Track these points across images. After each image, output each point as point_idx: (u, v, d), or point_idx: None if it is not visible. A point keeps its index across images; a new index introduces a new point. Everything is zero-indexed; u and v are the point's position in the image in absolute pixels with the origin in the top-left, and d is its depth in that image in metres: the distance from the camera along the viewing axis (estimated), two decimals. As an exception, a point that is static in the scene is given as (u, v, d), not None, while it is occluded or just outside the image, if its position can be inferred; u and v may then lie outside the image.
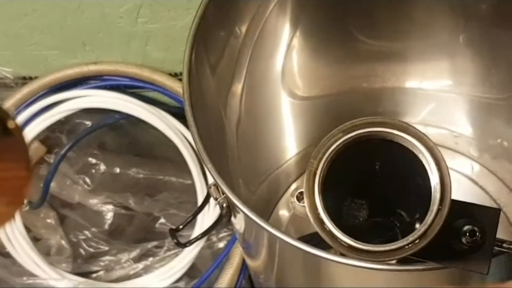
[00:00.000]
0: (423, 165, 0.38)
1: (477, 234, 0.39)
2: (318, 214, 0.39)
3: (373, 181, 0.41)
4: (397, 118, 0.77)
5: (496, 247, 0.41)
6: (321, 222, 0.39)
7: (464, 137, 0.80)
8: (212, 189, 0.56)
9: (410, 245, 0.38)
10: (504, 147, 0.77)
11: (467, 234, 0.39)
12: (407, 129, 0.38)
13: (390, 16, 0.71)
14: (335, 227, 0.39)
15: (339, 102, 0.78)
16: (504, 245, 0.41)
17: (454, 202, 0.39)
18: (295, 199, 0.46)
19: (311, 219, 0.39)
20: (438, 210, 0.37)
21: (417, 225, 0.38)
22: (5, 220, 0.30)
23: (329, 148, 0.39)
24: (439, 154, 0.38)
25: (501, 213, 0.41)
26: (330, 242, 0.39)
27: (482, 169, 0.80)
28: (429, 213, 0.37)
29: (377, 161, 0.41)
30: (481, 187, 0.79)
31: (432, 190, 0.38)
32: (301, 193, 0.44)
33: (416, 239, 0.38)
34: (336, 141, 0.39)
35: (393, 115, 0.80)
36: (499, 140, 0.77)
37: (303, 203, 0.42)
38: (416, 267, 0.43)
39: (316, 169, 0.39)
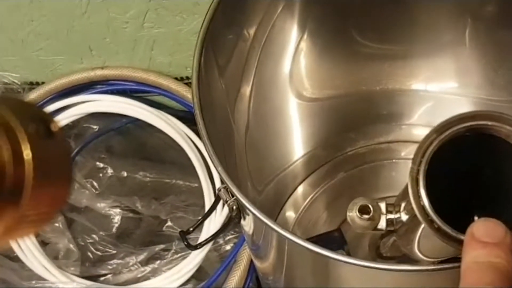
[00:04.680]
0: None
1: None
2: (429, 216, 0.39)
3: (469, 178, 0.41)
4: (401, 120, 0.79)
5: None
6: (432, 223, 0.39)
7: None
8: (222, 191, 0.56)
9: None
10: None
11: None
12: (501, 118, 0.38)
13: (395, 18, 0.72)
14: (449, 226, 0.38)
15: (346, 103, 0.78)
16: None
17: None
18: (355, 213, 0.46)
19: (425, 223, 0.39)
20: None
21: None
22: (46, 220, 0.31)
23: (426, 150, 0.39)
24: None
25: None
26: (446, 241, 0.39)
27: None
28: None
29: (473, 156, 0.40)
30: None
31: None
32: (364, 206, 0.44)
33: None
34: (431, 142, 0.39)
35: (399, 117, 0.80)
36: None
37: (364, 216, 0.42)
38: (428, 267, 0.43)
39: (418, 173, 0.39)
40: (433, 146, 0.39)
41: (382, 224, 0.45)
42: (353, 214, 0.46)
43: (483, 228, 0.37)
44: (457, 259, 0.40)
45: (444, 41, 0.73)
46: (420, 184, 0.39)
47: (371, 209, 0.46)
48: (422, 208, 0.39)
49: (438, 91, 0.78)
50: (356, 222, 0.46)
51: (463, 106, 0.78)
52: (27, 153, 0.28)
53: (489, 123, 0.38)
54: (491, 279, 0.35)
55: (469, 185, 0.42)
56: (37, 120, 0.30)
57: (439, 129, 0.39)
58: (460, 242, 0.38)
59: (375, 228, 0.47)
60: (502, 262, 0.36)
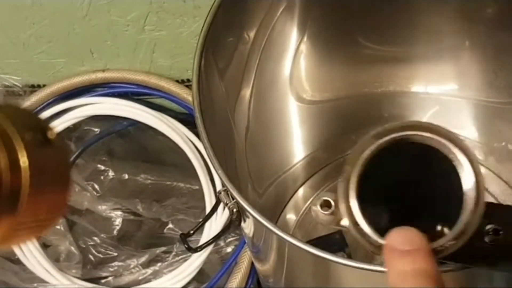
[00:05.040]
0: (454, 166, 0.38)
1: (500, 232, 0.40)
2: (354, 218, 0.39)
3: (403, 185, 0.41)
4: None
5: None
6: (357, 225, 0.39)
7: (469, 140, 0.80)
8: (222, 194, 0.56)
9: (446, 246, 0.38)
10: (509, 150, 0.78)
11: (490, 233, 0.40)
12: (438, 131, 0.39)
13: (395, 21, 0.72)
14: (372, 230, 0.39)
15: (346, 106, 0.79)
16: None
17: None
18: (318, 207, 0.46)
19: (349, 224, 0.40)
20: (474, 209, 0.37)
21: (445, 230, 0.38)
22: (45, 227, 0.31)
23: (362, 153, 0.40)
24: (472, 154, 0.38)
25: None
26: (366, 245, 0.39)
27: (487, 172, 0.80)
28: (463, 212, 0.38)
29: (409, 164, 0.41)
30: (487, 190, 0.79)
31: (466, 190, 0.38)
32: (326, 201, 0.44)
33: (451, 240, 0.38)
34: (368, 146, 0.40)
35: (399, 119, 0.80)
36: (503, 143, 0.78)
37: (326, 211, 0.43)
38: (446, 268, 0.43)
39: (351, 174, 0.40)
40: (369, 150, 0.40)
41: (346, 221, 0.45)
42: (316, 208, 0.46)
43: (399, 238, 0.37)
44: (459, 260, 0.40)
45: (444, 44, 0.73)
46: (350, 185, 0.40)
47: (333, 204, 0.46)
48: (350, 209, 0.40)
49: (439, 93, 0.78)
50: (319, 216, 0.46)
51: (464, 108, 0.78)
52: (23, 161, 0.28)
53: (426, 134, 0.39)
54: (422, 284, 0.36)
55: (412, 193, 0.42)
56: (34, 127, 0.30)
57: (377, 135, 0.40)
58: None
59: (339, 224, 0.46)
60: (426, 266, 0.36)
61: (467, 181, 0.38)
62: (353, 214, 0.39)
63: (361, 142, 0.40)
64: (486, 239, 0.40)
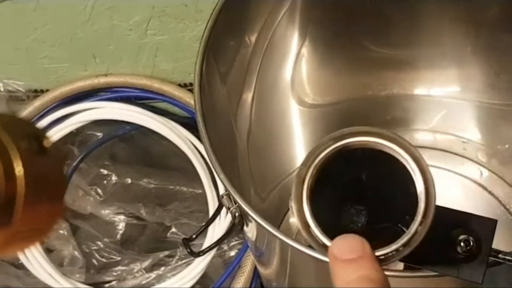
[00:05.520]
0: (410, 175, 0.38)
1: (472, 243, 0.40)
2: (305, 219, 0.39)
3: (364, 189, 0.41)
4: (404, 125, 0.79)
5: (492, 257, 0.41)
6: (308, 227, 0.39)
7: (472, 143, 0.80)
8: (225, 198, 0.56)
9: (393, 253, 0.38)
10: (512, 152, 0.78)
11: (462, 243, 0.40)
12: (395, 139, 0.39)
13: (398, 23, 0.72)
14: (322, 232, 0.39)
15: (348, 109, 0.78)
16: (500, 255, 0.42)
17: (452, 211, 0.40)
18: (291, 203, 0.46)
19: (299, 224, 0.40)
20: (422, 220, 0.38)
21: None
22: (40, 236, 0.31)
23: (318, 155, 0.40)
24: (425, 164, 0.38)
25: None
26: (315, 247, 0.39)
27: (490, 174, 0.80)
28: (413, 222, 0.38)
29: (365, 169, 0.41)
30: (490, 192, 0.79)
31: (418, 199, 0.38)
32: None
33: (399, 247, 0.38)
34: (325, 148, 0.40)
35: (402, 122, 0.80)
36: (507, 146, 0.78)
37: None
38: (414, 274, 0.43)
39: (305, 175, 0.40)
40: (326, 152, 0.40)
41: (298, 222, 0.45)
42: (291, 203, 0.46)
43: (342, 247, 0.37)
44: (430, 268, 0.40)
45: (447, 47, 0.73)
46: (304, 186, 0.39)
47: None
48: (302, 210, 0.39)
49: (442, 95, 0.78)
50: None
51: (467, 110, 0.78)
52: (19, 170, 0.28)
53: (383, 141, 0.39)
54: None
55: (372, 196, 0.42)
56: (30, 136, 0.30)
57: (335, 138, 0.40)
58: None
59: None
60: (372, 271, 0.36)
61: (418, 191, 0.38)
62: (304, 216, 0.39)
63: (317, 144, 0.40)
64: (459, 249, 0.40)
